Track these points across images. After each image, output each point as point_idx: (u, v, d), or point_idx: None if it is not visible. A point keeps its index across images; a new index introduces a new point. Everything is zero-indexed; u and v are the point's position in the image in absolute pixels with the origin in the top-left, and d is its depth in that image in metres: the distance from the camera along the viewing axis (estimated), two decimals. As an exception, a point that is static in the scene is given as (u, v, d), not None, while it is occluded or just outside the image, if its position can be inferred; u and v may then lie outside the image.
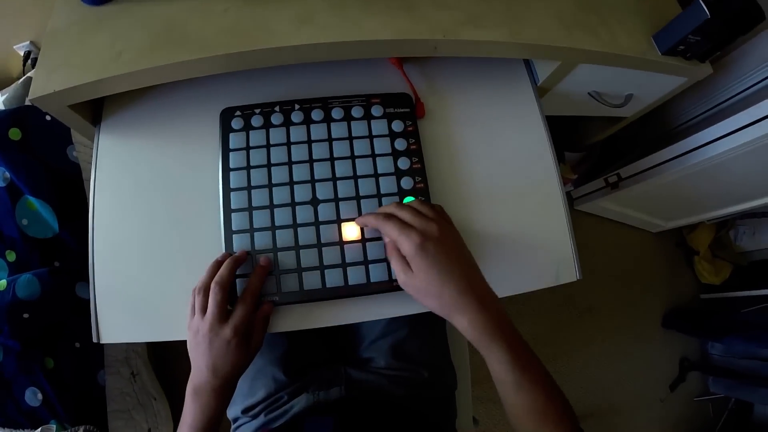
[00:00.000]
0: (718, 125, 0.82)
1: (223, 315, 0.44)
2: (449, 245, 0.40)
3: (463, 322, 0.40)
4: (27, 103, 0.82)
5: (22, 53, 0.94)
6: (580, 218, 1.35)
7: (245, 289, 0.46)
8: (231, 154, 0.52)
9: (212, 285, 0.44)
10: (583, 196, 1.27)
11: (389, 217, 0.43)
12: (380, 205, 0.51)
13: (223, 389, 0.45)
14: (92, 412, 0.80)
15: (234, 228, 0.50)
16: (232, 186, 0.51)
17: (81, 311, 0.78)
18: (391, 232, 0.42)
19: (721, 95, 0.87)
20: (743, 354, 1.28)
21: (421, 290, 0.41)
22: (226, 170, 0.51)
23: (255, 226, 0.50)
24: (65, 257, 0.80)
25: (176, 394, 0.99)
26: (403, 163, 0.53)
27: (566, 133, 1.03)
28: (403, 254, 0.42)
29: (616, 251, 1.39)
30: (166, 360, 1.07)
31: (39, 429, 0.72)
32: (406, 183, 0.52)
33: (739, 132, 0.79)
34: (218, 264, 0.47)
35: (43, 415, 0.74)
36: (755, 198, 1.05)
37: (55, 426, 0.73)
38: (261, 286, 0.48)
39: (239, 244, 0.49)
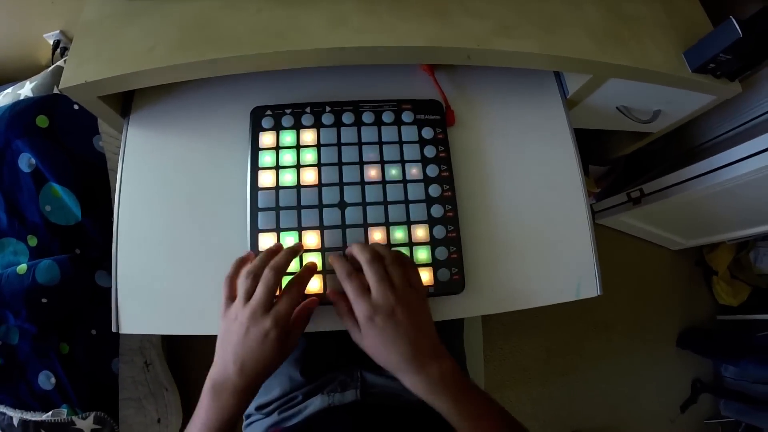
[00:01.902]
0: (743, 145, 0.81)
1: (269, 303, 0.41)
2: (399, 318, 0.41)
3: (406, 382, 0.42)
4: (55, 91, 0.84)
5: (51, 42, 0.96)
6: (600, 232, 1.34)
7: (293, 280, 0.44)
8: (260, 153, 0.52)
9: (267, 269, 0.42)
10: (605, 210, 1.26)
11: (351, 276, 0.43)
12: (407, 211, 0.51)
13: (246, 391, 0.41)
14: (104, 399, 0.80)
15: (260, 227, 0.50)
16: (260, 185, 0.51)
17: (99, 299, 0.79)
18: (348, 293, 0.43)
19: (747, 114, 0.86)
20: (757, 378, 1.25)
21: (370, 350, 0.43)
22: (255, 169, 0.51)
23: (281, 227, 0.49)
24: (86, 245, 0.81)
25: (187, 386, 1.00)
26: (432, 171, 0.52)
27: (591, 146, 1.02)
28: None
29: (635, 267, 1.37)
30: (179, 351, 1.08)
31: (50, 412, 0.73)
32: (434, 190, 0.52)
33: (763, 153, 0.78)
34: (272, 253, 0.45)
35: (55, 399, 0.75)
36: (777, 220, 1.03)
37: (66, 410, 0.74)
38: (308, 281, 0.46)
39: (265, 243, 0.49)
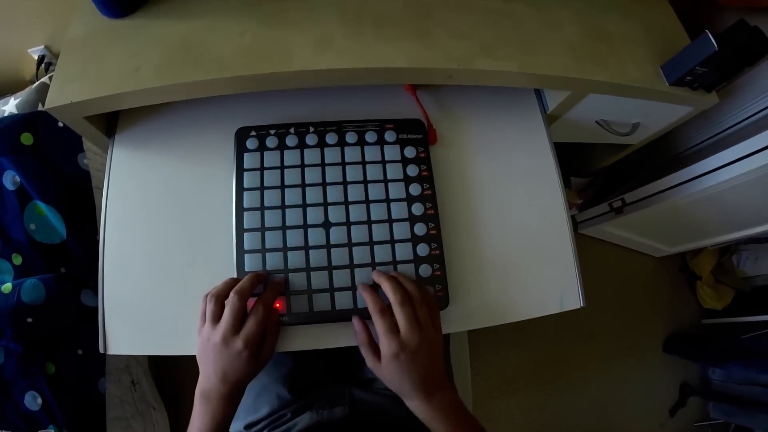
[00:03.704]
0: (721, 153, 0.82)
1: (237, 326, 0.44)
2: (420, 356, 0.45)
3: (411, 405, 0.47)
4: (40, 108, 0.83)
5: (36, 57, 0.95)
6: (584, 242, 1.35)
7: (258, 300, 0.46)
8: (245, 173, 0.52)
9: (231, 293, 0.44)
10: (588, 220, 1.27)
11: (384, 313, 0.45)
12: (390, 230, 0.52)
13: (231, 395, 0.45)
14: (91, 419, 0.79)
15: (246, 247, 0.50)
16: (245, 206, 0.51)
17: (85, 318, 0.78)
18: (378, 329, 0.45)
19: (725, 122, 0.88)
20: (743, 380, 1.27)
21: (385, 378, 0.47)
22: (240, 190, 0.52)
23: (267, 247, 0.50)
24: (71, 264, 0.80)
25: (175, 404, 0.99)
26: (415, 189, 0.53)
27: (572, 159, 1.04)
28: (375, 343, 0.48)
29: (619, 275, 1.39)
30: (166, 369, 1.07)
31: (37, 433, 0.72)
32: (417, 209, 0.53)
33: (742, 160, 0.80)
34: (235, 280, 0.47)
35: (42, 419, 0.74)
36: (758, 224, 1.05)
37: (53, 431, 0.73)
38: (274, 301, 0.48)
39: (251, 263, 0.50)
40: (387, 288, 0.47)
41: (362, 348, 0.48)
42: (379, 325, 0.45)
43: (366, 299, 0.47)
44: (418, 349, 0.44)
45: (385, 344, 0.44)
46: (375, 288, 0.49)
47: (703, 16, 0.75)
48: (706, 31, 0.55)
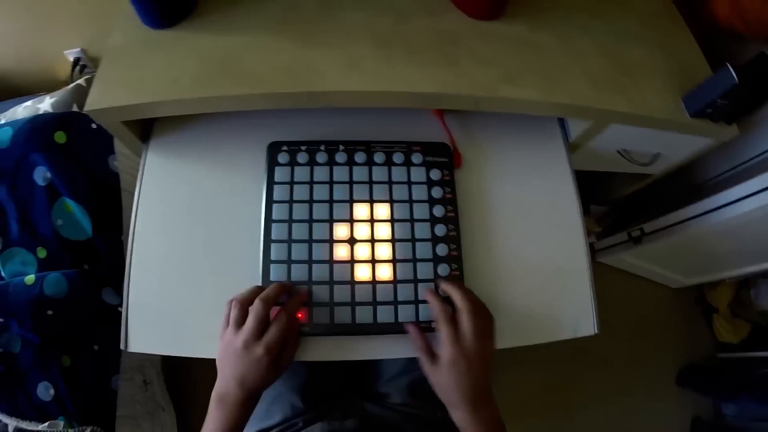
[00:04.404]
0: (741, 185, 0.81)
1: (260, 332, 0.45)
2: (476, 365, 0.46)
3: (455, 416, 0.47)
4: (74, 109, 0.86)
5: (71, 59, 0.99)
6: (601, 270, 1.34)
7: (282, 309, 0.47)
8: (275, 186, 0.54)
9: (256, 300, 0.45)
10: (606, 248, 1.27)
11: (450, 322, 0.47)
12: (413, 249, 0.53)
13: (247, 401, 0.46)
14: (101, 415, 0.80)
15: (272, 258, 0.51)
16: (274, 217, 0.53)
17: (104, 316, 0.80)
18: (443, 335, 0.47)
19: (746, 154, 0.87)
20: (757, 416, 1.24)
21: (437, 384, 0.48)
22: (270, 202, 0.53)
23: (293, 258, 0.51)
24: (95, 262, 0.82)
25: (184, 408, 1.00)
26: (438, 211, 0.54)
27: (593, 187, 1.03)
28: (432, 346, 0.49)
29: (635, 305, 1.37)
30: (178, 372, 1.08)
31: (47, 423, 0.72)
32: (440, 230, 0.53)
33: (763, 192, 0.79)
34: (260, 288, 0.48)
35: (53, 410, 0.75)
36: (777, 257, 1.03)
37: (62, 422, 0.74)
38: (297, 311, 0.49)
39: (276, 273, 0.51)
40: (458, 296, 0.48)
41: (420, 353, 0.49)
42: (445, 331, 0.46)
43: (434, 305, 0.49)
44: (477, 357, 0.45)
45: (448, 350, 0.45)
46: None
47: (724, 45, 0.75)
48: (727, 63, 0.55)
